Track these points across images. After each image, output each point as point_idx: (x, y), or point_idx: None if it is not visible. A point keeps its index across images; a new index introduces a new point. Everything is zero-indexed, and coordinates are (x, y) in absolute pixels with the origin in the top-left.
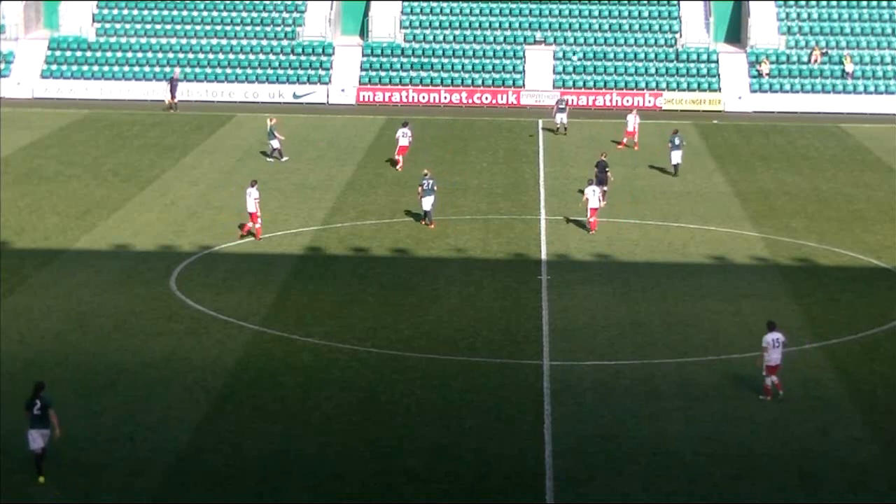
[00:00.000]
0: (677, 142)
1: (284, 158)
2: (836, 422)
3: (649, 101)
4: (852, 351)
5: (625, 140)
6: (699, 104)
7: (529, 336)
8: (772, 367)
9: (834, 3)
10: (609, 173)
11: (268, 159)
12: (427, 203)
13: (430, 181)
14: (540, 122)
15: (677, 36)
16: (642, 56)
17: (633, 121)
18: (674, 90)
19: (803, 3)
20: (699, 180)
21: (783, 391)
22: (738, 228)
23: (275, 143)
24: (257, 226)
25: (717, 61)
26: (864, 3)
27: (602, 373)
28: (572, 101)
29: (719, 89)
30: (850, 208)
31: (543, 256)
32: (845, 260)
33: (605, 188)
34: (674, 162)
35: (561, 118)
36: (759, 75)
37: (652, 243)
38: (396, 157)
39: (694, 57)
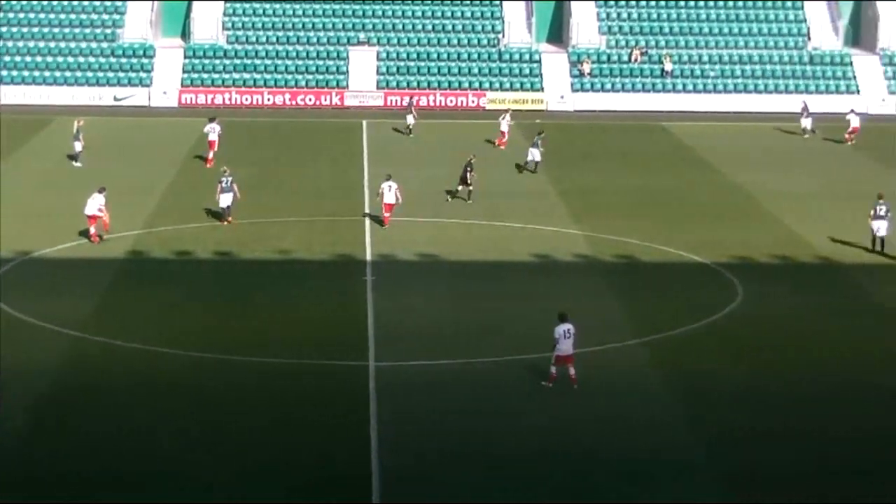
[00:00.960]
0: (538, 142)
1: (77, 164)
2: (660, 416)
3: (472, 102)
4: (674, 346)
5: (504, 140)
6: (522, 104)
7: (355, 337)
8: (562, 357)
9: (653, 3)
10: (472, 173)
11: (74, 163)
12: (225, 200)
13: (229, 178)
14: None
15: (500, 36)
16: (465, 56)
17: (505, 122)
18: (497, 90)
19: (623, 3)
20: (524, 179)
21: (577, 385)
22: (562, 227)
23: (78, 146)
24: (92, 230)
25: (539, 61)
26: (682, 4)
27: (428, 372)
28: (415, 101)
29: (542, 89)
30: (671, 206)
31: (368, 257)
32: (667, 257)
33: (470, 187)
34: (528, 158)
35: (410, 119)
36: (581, 75)
37: (477, 242)
38: (210, 153)
39: (517, 57)
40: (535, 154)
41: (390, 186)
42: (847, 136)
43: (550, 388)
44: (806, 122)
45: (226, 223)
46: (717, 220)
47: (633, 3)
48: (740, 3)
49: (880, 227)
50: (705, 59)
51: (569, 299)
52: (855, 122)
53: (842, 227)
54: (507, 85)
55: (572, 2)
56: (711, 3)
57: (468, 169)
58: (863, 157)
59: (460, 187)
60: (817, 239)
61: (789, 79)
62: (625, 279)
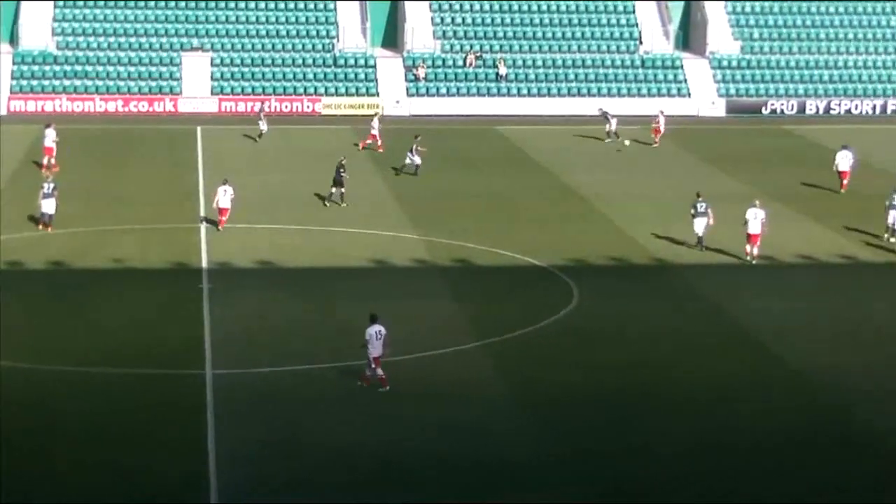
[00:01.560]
0: (415, 147)
1: None
2: (498, 419)
3: (308, 107)
4: (511, 349)
5: (368, 142)
6: (358, 108)
7: (192, 345)
8: (375, 358)
9: (487, 8)
10: (345, 174)
11: None
12: (47, 207)
13: (51, 185)
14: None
15: (335, 41)
16: (300, 61)
17: (376, 124)
18: (332, 95)
19: (457, 8)
20: (360, 184)
21: (387, 387)
22: (399, 231)
23: None
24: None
25: (374, 66)
26: (516, 8)
27: (266, 379)
28: (265, 106)
29: (377, 93)
30: (507, 209)
31: (204, 265)
32: (504, 260)
33: (343, 189)
34: (406, 162)
35: (263, 126)
36: (416, 79)
37: (314, 248)
38: (50, 160)
39: (352, 62)
40: (414, 158)
41: (225, 191)
42: (654, 135)
43: (365, 386)
44: (609, 127)
45: (46, 230)
46: (552, 223)
47: (468, 7)
48: (573, 7)
49: (700, 225)
50: (539, 63)
51: (407, 303)
52: (661, 123)
53: (671, 226)
54: (343, 90)
55: (407, 6)
56: (545, 7)
57: (340, 170)
58: (692, 158)
59: (334, 189)
60: (648, 239)
61: (622, 82)
62: (463, 282)
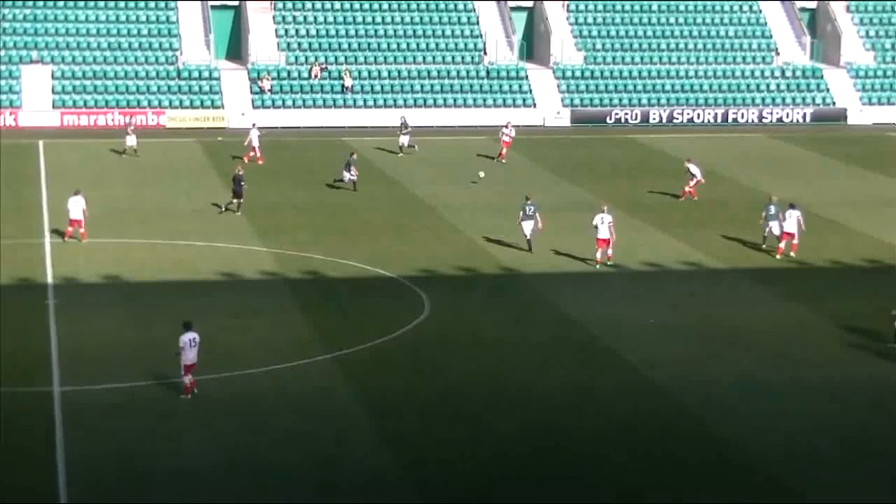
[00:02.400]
0: (350, 162)
1: None
2: (351, 430)
3: (152, 120)
4: (362, 360)
5: (250, 154)
6: (203, 121)
7: (38, 362)
8: (188, 366)
9: (331, 20)
10: (244, 185)
11: None
12: None
13: None
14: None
15: (178, 53)
16: (143, 74)
17: (255, 136)
18: (176, 107)
19: (301, 20)
20: (206, 198)
21: (196, 390)
22: (247, 244)
23: None
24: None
25: (218, 78)
26: (361, 20)
27: (116, 395)
28: (134, 121)
29: (222, 106)
30: (355, 220)
31: (50, 280)
32: (352, 271)
33: (241, 200)
34: (345, 179)
35: (130, 142)
36: (262, 91)
37: (161, 262)
38: None
39: (195, 74)
40: (350, 174)
41: (76, 202)
42: (503, 147)
43: (188, 399)
44: (403, 139)
45: None
46: (401, 234)
47: (312, 19)
48: (417, 19)
49: (528, 228)
50: (384, 74)
51: (256, 316)
52: (507, 137)
53: (518, 236)
54: (187, 102)
55: (250, 18)
56: (389, 19)
57: (239, 181)
58: (538, 168)
59: (235, 200)
60: (497, 249)
61: (467, 93)
62: (312, 294)
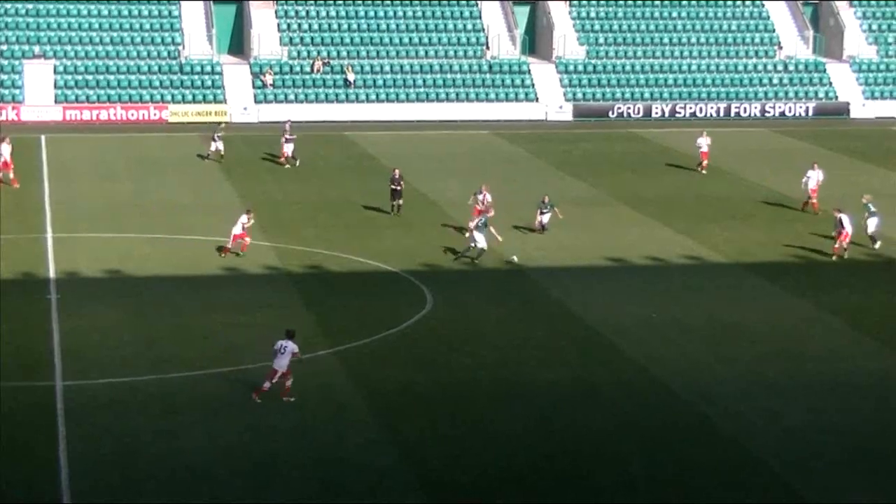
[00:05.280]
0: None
1: None
2: (353, 426)
3: (155, 115)
4: (365, 355)
5: (285, 154)
6: (205, 116)
7: (41, 357)
8: (272, 371)
9: (333, 14)
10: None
11: None
12: None
13: None
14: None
15: (180, 48)
16: (146, 69)
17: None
18: (179, 102)
19: (303, 14)
20: (210, 193)
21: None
22: (251, 239)
23: None
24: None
25: (220, 73)
26: (363, 14)
27: (117, 390)
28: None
29: (225, 101)
30: (357, 215)
31: (52, 275)
32: (356, 266)
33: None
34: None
35: (216, 146)
36: (264, 86)
37: (163, 257)
38: None
39: (198, 69)
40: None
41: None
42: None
43: (258, 401)
44: (288, 148)
45: None
46: (405, 229)
47: (314, 14)
48: (420, 13)
49: (545, 220)
50: (387, 69)
51: (260, 311)
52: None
53: (521, 230)
54: (190, 97)
55: (252, 13)
56: (392, 13)
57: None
58: (541, 163)
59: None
60: (499, 243)
61: (469, 87)
62: (315, 289)
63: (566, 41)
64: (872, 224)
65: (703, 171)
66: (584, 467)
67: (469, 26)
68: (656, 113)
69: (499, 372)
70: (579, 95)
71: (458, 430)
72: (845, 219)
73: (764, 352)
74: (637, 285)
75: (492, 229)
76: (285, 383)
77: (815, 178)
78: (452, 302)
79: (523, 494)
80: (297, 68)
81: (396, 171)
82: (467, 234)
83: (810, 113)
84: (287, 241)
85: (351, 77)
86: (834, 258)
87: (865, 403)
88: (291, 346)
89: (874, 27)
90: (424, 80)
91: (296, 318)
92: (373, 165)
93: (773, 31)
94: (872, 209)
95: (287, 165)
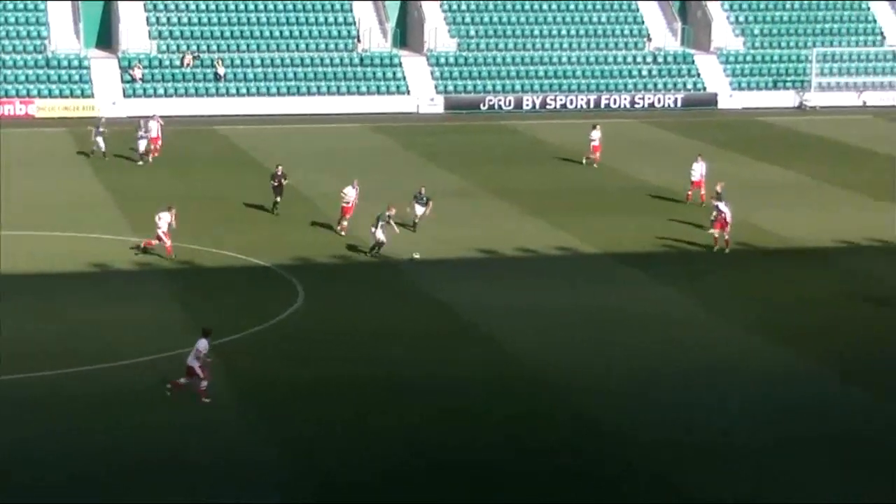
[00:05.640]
0: None
1: None
2: (226, 418)
3: (20, 110)
4: (238, 350)
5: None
6: (73, 111)
7: None
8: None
9: (203, 7)
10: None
11: None
12: None
13: None
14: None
15: (46, 42)
16: (11, 63)
17: (155, 127)
18: (46, 97)
19: (173, 8)
20: (79, 188)
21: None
22: (118, 234)
23: None
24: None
25: (88, 67)
26: (232, 7)
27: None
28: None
29: (92, 95)
30: (230, 209)
31: None
32: (228, 260)
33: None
34: None
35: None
36: (133, 80)
37: (31, 254)
38: None
39: (65, 63)
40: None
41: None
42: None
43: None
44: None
45: None
46: (277, 223)
47: (183, 7)
48: (290, 6)
49: (418, 211)
50: (258, 62)
51: (131, 307)
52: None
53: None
54: (57, 92)
55: (120, 6)
56: (262, 7)
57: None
58: (412, 156)
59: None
60: (370, 237)
61: (341, 80)
62: (186, 284)
63: (437, 34)
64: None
65: (595, 165)
66: (464, 460)
67: (340, 19)
68: (527, 105)
69: (370, 364)
70: (450, 88)
71: (332, 422)
72: (722, 206)
73: (636, 340)
74: (509, 277)
75: (392, 223)
76: (199, 384)
77: (699, 169)
78: (325, 296)
79: (408, 489)
80: (167, 62)
81: (279, 168)
82: (372, 230)
83: (679, 104)
84: (144, 234)
85: (221, 71)
86: (715, 249)
87: (733, 388)
88: (198, 345)
89: (741, 19)
90: (296, 74)
91: (167, 314)
92: (243, 160)
93: (643, 23)
94: (720, 199)
95: (140, 162)
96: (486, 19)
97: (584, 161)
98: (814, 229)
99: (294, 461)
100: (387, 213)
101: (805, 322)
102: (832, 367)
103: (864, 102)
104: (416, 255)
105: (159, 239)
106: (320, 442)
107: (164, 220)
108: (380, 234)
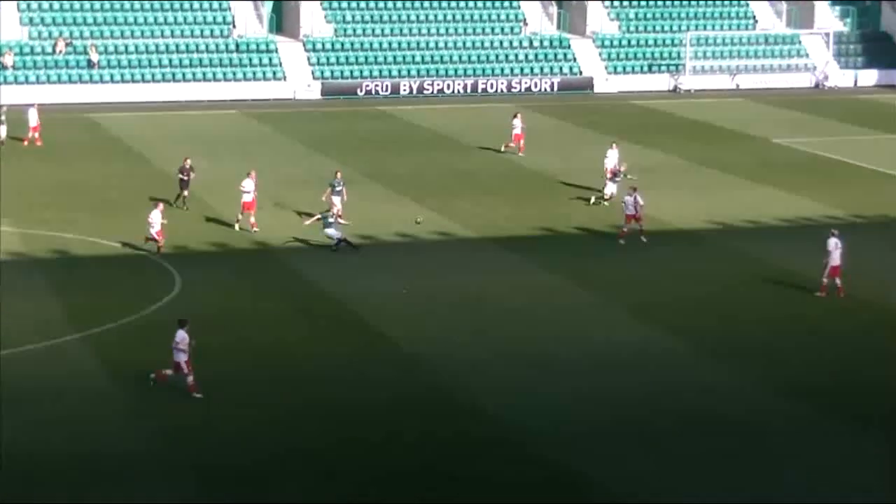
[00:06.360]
0: None
1: None
2: (106, 411)
3: None
4: (115, 339)
5: (29, 136)
6: None
7: None
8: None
9: None
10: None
11: None
12: None
13: None
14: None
15: None
16: None
17: (33, 116)
18: None
19: None
20: None
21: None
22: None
23: None
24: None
25: None
26: None
27: None
28: None
29: None
30: (103, 197)
31: None
32: (103, 249)
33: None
34: None
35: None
36: (4, 67)
37: None
38: None
39: None
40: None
41: None
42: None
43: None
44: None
45: None
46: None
47: None
48: None
49: (337, 202)
50: (132, 48)
51: (5, 298)
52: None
53: (270, 211)
54: None
55: None
56: None
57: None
58: (288, 141)
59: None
60: (246, 225)
61: (217, 67)
62: (62, 274)
63: (313, 19)
64: (610, 189)
65: (521, 153)
66: (350, 450)
67: (215, 5)
68: (404, 90)
69: (250, 352)
70: (327, 73)
71: (212, 411)
72: (629, 199)
73: (517, 325)
74: (388, 262)
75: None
76: (185, 380)
77: (613, 157)
78: (202, 284)
79: (296, 477)
80: (39, 49)
81: (187, 161)
82: (325, 232)
83: (555, 88)
84: (31, 226)
85: (95, 57)
86: (622, 241)
87: (622, 374)
88: (176, 337)
89: (616, 3)
90: (171, 60)
91: (43, 304)
92: (118, 147)
93: (518, 7)
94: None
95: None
96: (363, 5)
97: (503, 149)
98: (689, 211)
99: (185, 451)
100: (329, 215)
101: (683, 304)
102: (707, 346)
103: (738, 85)
104: (420, 219)
105: (153, 238)
106: (209, 432)
107: (157, 219)
108: (332, 232)
